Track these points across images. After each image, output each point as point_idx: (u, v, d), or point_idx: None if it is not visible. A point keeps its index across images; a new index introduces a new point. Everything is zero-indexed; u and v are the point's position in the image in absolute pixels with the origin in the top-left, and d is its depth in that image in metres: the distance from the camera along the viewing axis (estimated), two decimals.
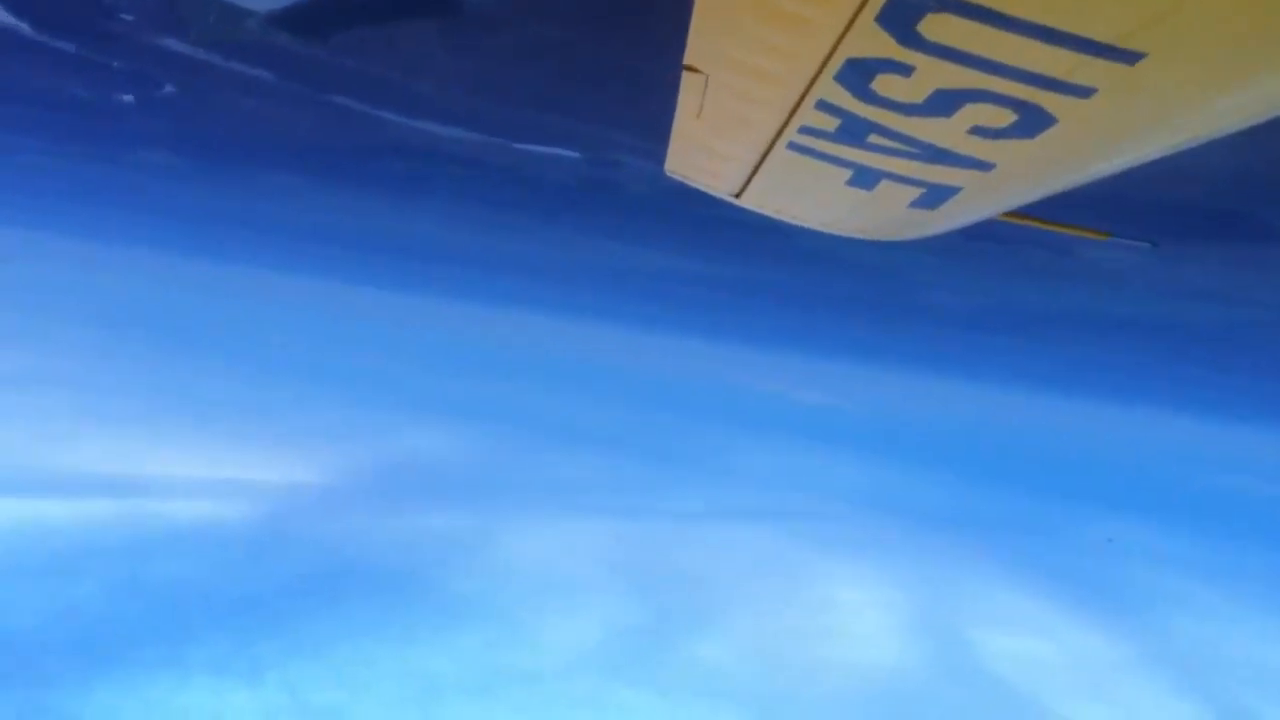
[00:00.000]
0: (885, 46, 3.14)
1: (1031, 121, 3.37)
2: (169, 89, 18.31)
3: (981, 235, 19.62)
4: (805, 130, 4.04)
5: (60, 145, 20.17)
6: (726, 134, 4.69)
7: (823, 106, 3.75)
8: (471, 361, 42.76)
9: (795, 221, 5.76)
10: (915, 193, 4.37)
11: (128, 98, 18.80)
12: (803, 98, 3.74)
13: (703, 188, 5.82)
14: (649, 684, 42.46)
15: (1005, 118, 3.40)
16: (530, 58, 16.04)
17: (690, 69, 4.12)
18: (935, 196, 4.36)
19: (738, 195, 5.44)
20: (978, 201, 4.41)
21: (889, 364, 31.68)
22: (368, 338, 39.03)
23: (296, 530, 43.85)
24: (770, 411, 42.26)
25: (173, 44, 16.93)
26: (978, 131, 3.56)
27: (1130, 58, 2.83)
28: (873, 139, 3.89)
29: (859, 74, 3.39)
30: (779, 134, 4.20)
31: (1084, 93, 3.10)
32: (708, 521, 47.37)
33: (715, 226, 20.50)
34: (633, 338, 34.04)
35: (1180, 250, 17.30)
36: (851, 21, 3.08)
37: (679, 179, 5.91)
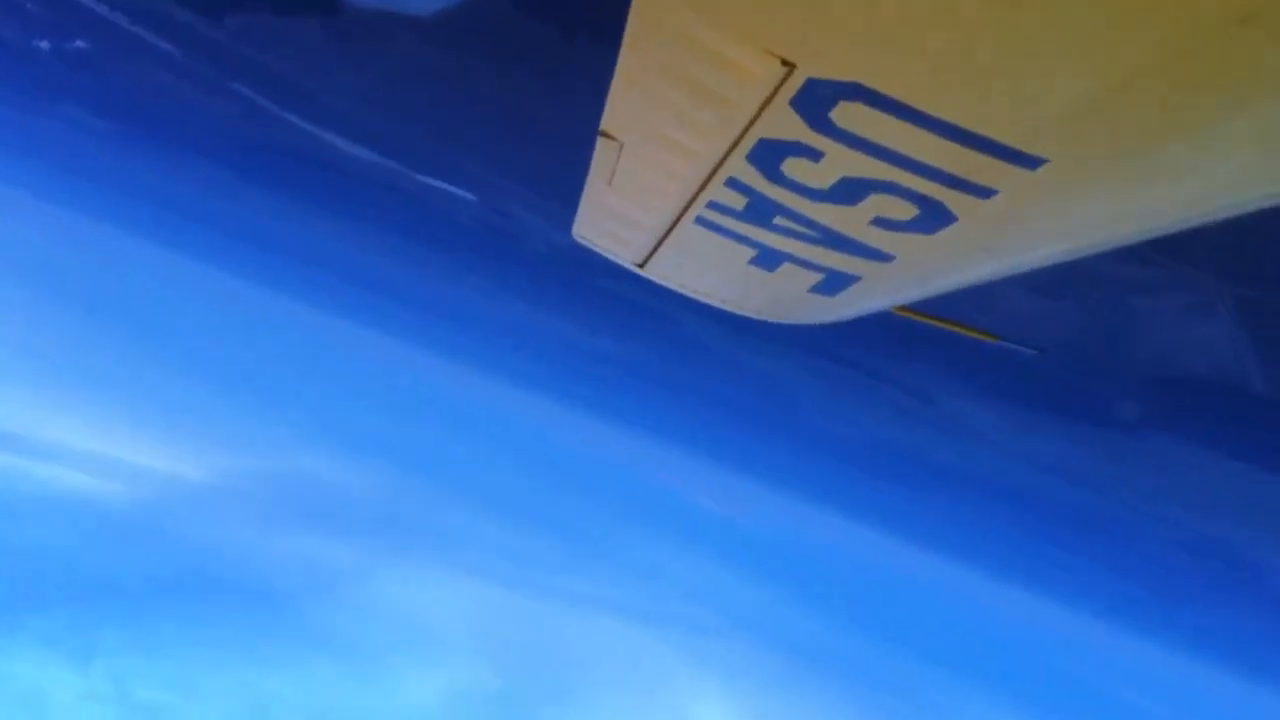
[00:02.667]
0: (797, 130, 3.19)
1: (932, 217, 3.42)
2: (80, 44, 18.31)
3: (857, 365, 19.65)
4: (713, 206, 4.06)
5: None
6: (636, 203, 4.72)
7: (732, 184, 3.78)
8: (369, 389, 42.06)
9: (696, 296, 5.75)
10: (815, 278, 4.42)
11: (44, 44, 18.83)
12: (714, 173, 3.77)
13: (608, 254, 5.78)
14: None
15: (907, 211, 3.44)
16: (432, 86, 16.12)
17: (605, 135, 4.15)
18: (834, 283, 4.42)
19: (642, 265, 5.43)
20: (875, 291, 4.46)
21: (779, 484, 31.79)
22: (269, 342, 38.52)
23: (171, 524, 42.88)
24: (675, 513, 41.78)
25: None
26: (880, 223, 3.61)
27: (1032, 163, 2.92)
28: (778, 220, 3.92)
29: (770, 155, 3.43)
30: (687, 207, 4.22)
31: (985, 193, 3.16)
32: (585, 608, 46.67)
33: (613, 301, 20.65)
34: (534, 401, 34.07)
35: (1033, 420, 17.53)
36: (767, 102, 3.12)
37: (585, 243, 5.86)
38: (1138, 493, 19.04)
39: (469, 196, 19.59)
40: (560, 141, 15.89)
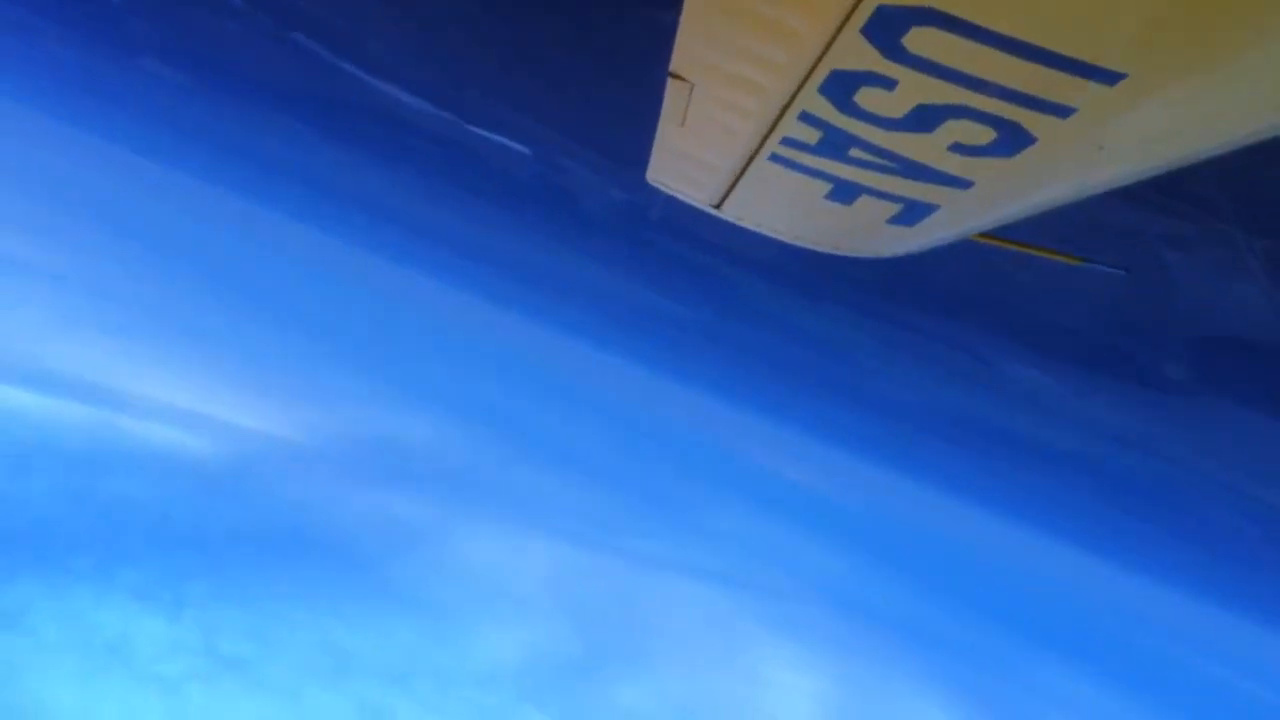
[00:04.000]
0: (870, 59, 3.16)
1: (1011, 140, 3.39)
2: None
3: (916, 328, 19.57)
4: (787, 142, 4.06)
5: (48, 22, 20.77)
6: (709, 143, 4.72)
7: (806, 118, 3.77)
8: (452, 349, 42.56)
9: (773, 234, 5.70)
10: (893, 209, 4.37)
11: None
12: (786, 109, 3.76)
13: (683, 197, 5.78)
14: (559, 714, 42.07)
15: (985, 135, 3.42)
16: (489, 42, 16.20)
17: (675, 76, 4.14)
18: (913, 214, 4.37)
19: (718, 206, 5.42)
20: (955, 220, 4.41)
21: (856, 450, 31.65)
22: (351, 298, 39.10)
23: (259, 480, 43.81)
24: (754, 478, 41.79)
25: None
26: (958, 149, 3.57)
27: (1111, 78, 2.88)
28: (853, 153, 3.90)
29: (843, 86, 3.41)
30: (761, 145, 4.22)
31: (1064, 112, 3.12)
32: (664, 571, 46.76)
33: (672, 259, 20.65)
34: (615, 364, 34.13)
35: (1093, 385, 17.28)
36: (837, 33, 3.11)
37: (660, 187, 5.86)
38: (1195, 456, 18.69)
39: (523, 149, 19.66)
40: (614, 97, 15.89)
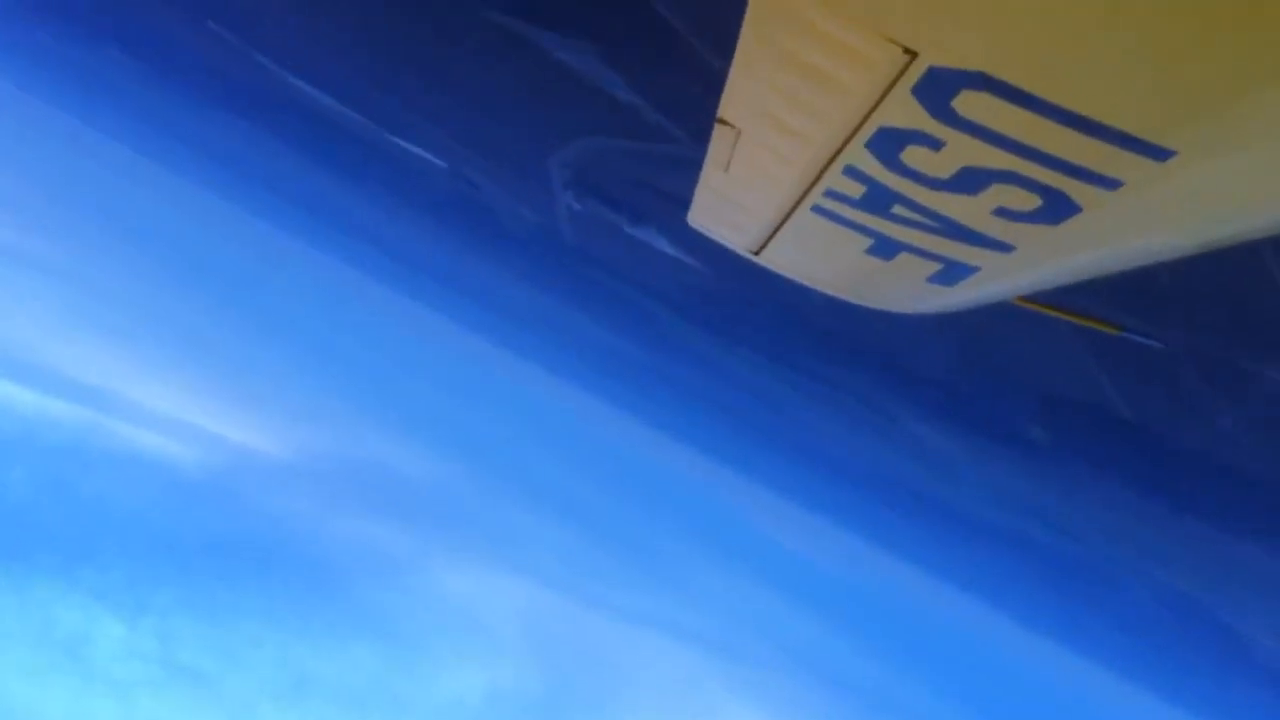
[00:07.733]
0: (918, 118, 3.20)
1: (1056, 208, 3.39)
2: None
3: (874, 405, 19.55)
4: (831, 194, 4.07)
5: None
6: (752, 190, 4.79)
7: (850, 172, 3.79)
8: (451, 385, 42.52)
9: (810, 284, 5.74)
10: (933, 268, 4.40)
11: None
12: (831, 161, 3.78)
13: (724, 241, 5.82)
14: None
15: (1030, 202, 3.40)
16: (408, 55, 16.35)
17: (723, 122, 4.21)
18: (953, 274, 4.41)
19: (756, 253, 5.46)
20: (994, 283, 4.45)
21: (838, 519, 31.40)
22: (352, 324, 39.14)
23: (238, 493, 43.83)
24: (735, 538, 41.47)
25: None
26: (1002, 213, 3.58)
27: (1161, 154, 2.88)
28: (896, 210, 3.89)
29: (890, 143, 3.44)
30: (804, 195, 4.26)
31: (1111, 184, 3.13)
32: (640, 624, 46.30)
33: (588, 281, 20.89)
34: (612, 414, 34.14)
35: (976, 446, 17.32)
36: (888, 90, 3.15)
37: (701, 230, 5.91)
38: (1060, 514, 18.49)
39: (440, 163, 19.64)
40: (527, 120, 16.01)
